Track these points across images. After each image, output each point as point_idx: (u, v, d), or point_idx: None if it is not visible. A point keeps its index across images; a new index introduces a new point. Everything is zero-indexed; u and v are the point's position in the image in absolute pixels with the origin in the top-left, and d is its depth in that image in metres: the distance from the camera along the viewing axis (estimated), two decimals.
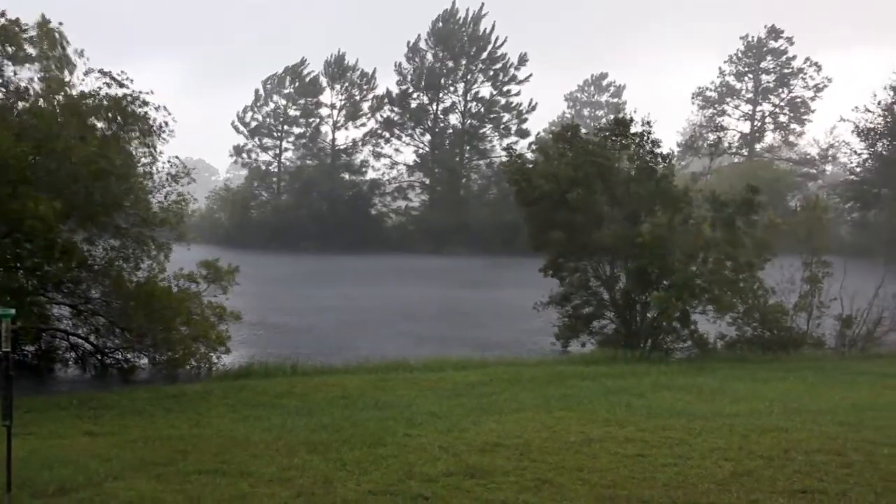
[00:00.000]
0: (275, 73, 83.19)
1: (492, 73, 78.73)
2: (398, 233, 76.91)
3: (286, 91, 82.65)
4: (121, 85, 17.69)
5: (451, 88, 79.45)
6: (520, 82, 78.34)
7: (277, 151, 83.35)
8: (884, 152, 66.15)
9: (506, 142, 75.52)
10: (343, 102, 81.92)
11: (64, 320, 18.37)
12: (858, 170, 68.96)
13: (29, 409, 12.04)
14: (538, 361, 18.58)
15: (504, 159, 66.57)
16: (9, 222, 15.79)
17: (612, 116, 23.80)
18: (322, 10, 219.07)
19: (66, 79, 17.81)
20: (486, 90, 79.17)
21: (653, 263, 19.95)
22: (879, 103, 65.55)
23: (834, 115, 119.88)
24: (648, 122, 21.99)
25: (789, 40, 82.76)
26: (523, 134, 76.45)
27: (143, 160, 18.36)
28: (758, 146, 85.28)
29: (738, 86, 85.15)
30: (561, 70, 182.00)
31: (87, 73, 17.86)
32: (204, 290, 18.61)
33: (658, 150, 21.96)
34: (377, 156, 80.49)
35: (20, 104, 17.55)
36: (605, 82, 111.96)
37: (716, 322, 20.74)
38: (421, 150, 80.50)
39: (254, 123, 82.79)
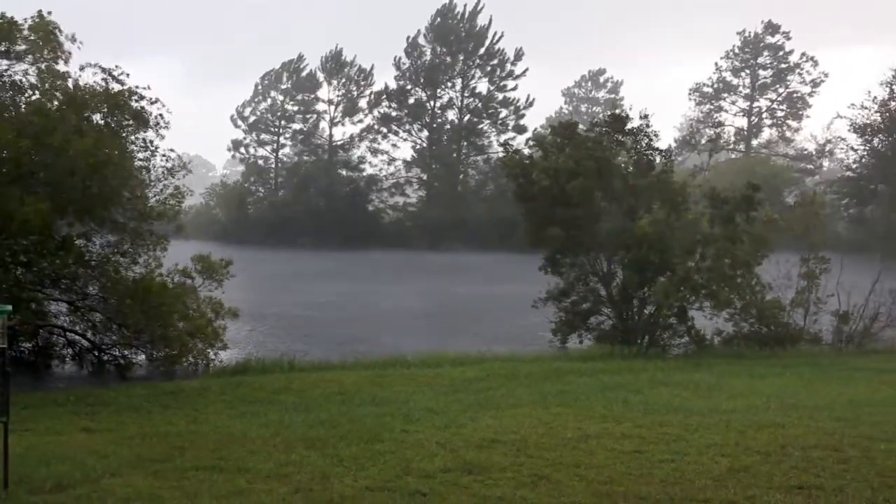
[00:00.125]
0: (273, 68, 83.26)
1: (489, 68, 78.66)
2: (395, 229, 76.82)
3: (283, 87, 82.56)
4: (117, 80, 17.67)
5: (449, 84, 79.40)
6: (516, 77, 78.32)
7: (275, 147, 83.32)
8: (880, 148, 66.25)
9: (503, 138, 75.48)
10: (340, 98, 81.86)
11: (61, 316, 18.35)
12: (855, 166, 69.06)
13: (26, 405, 12.04)
14: (535, 357, 18.59)
15: (501, 155, 66.60)
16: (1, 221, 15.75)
17: (609, 112, 23.75)
18: (321, 9, 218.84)
19: (62, 69, 17.76)
20: (483, 86, 79.25)
21: (652, 254, 19.93)
22: (875, 99, 65.72)
23: (833, 112, 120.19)
24: (646, 116, 21.98)
25: (786, 35, 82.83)
26: (521, 130, 76.41)
27: (140, 154, 18.34)
28: (755, 142, 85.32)
29: (735, 82, 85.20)
30: (558, 66, 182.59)
31: (82, 68, 17.83)
32: (199, 285, 18.59)
33: (656, 145, 21.99)
34: (374, 152, 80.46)
35: (18, 98, 17.51)
36: (602, 78, 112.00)
37: (713, 318, 20.76)
38: (418, 146, 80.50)
39: (252, 119, 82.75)
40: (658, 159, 22.20)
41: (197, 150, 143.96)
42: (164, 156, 18.73)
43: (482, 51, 78.53)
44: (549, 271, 22.10)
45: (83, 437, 10.10)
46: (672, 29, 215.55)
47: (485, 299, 33.94)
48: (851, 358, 18.88)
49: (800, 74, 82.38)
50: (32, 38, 17.29)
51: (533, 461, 8.24)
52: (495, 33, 78.66)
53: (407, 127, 79.92)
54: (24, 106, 17.33)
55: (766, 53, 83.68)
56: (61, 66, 17.75)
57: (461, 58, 78.83)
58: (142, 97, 17.69)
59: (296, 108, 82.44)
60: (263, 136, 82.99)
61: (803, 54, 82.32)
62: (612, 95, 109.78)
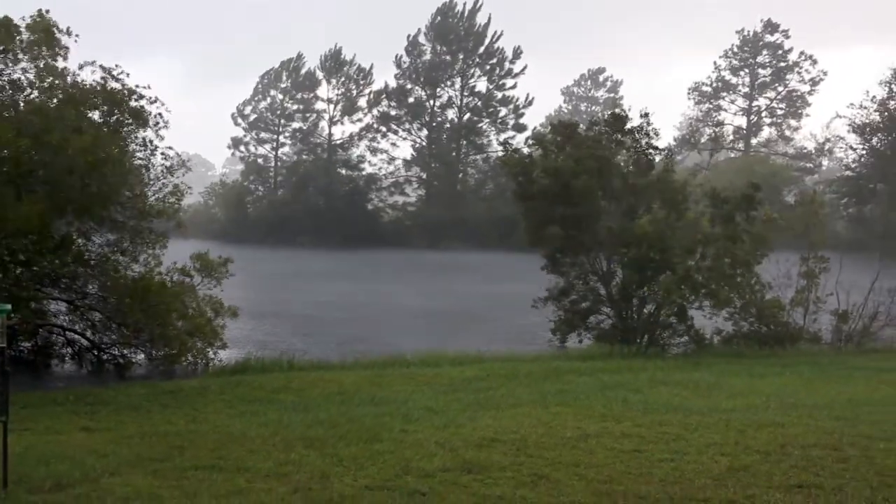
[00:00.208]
0: (272, 67, 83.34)
1: (488, 67, 78.68)
2: (395, 228, 76.85)
3: (283, 86, 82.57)
4: (116, 79, 17.66)
5: (448, 83, 79.40)
6: (515, 75, 78.37)
7: (274, 146, 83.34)
8: (880, 147, 66.29)
9: (503, 137, 75.62)
10: (339, 97, 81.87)
11: (60, 316, 18.34)
12: (854, 165, 69.09)
13: (25, 404, 12.03)
14: (534, 357, 18.59)
15: (501, 154, 66.79)
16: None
17: (609, 112, 23.76)
18: (321, 8, 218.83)
19: (60, 66, 17.75)
20: (482, 85, 79.30)
21: (653, 252, 19.93)
22: (873, 99, 65.77)
23: (833, 110, 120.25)
24: (646, 115, 21.98)
25: (785, 34, 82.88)
26: (520, 128, 76.51)
27: (140, 153, 18.33)
28: (754, 141, 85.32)
29: (735, 81, 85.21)
30: (558, 65, 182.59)
31: (81, 67, 17.82)
32: (198, 284, 18.58)
33: (655, 144, 22.00)
34: (374, 151, 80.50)
35: (18, 97, 17.50)
36: (602, 77, 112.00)
37: (712, 317, 20.76)
38: (417, 145, 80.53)
39: (252, 117, 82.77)
40: (658, 158, 22.21)
41: (196, 149, 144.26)
42: (163, 154, 18.74)
43: (482, 50, 78.55)
44: (550, 270, 22.10)
45: (82, 437, 10.10)
46: (672, 28, 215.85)
47: (489, 298, 33.93)
48: (851, 357, 18.88)
49: (798, 73, 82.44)
50: (31, 37, 17.28)
51: (532, 460, 8.24)
52: (495, 32, 78.87)
53: (406, 126, 79.98)
54: (22, 105, 17.31)
55: (765, 52, 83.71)
56: (59, 63, 17.76)
57: (461, 57, 78.85)
58: (141, 97, 17.69)
59: (295, 107, 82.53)
60: (263, 135, 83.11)
61: (802, 53, 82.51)
62: (612, 94, 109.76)
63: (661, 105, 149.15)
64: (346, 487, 7.31)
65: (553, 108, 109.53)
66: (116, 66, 17.82)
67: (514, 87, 78.42)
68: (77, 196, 16.59)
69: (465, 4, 79.06)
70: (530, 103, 78.65)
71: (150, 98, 17.86)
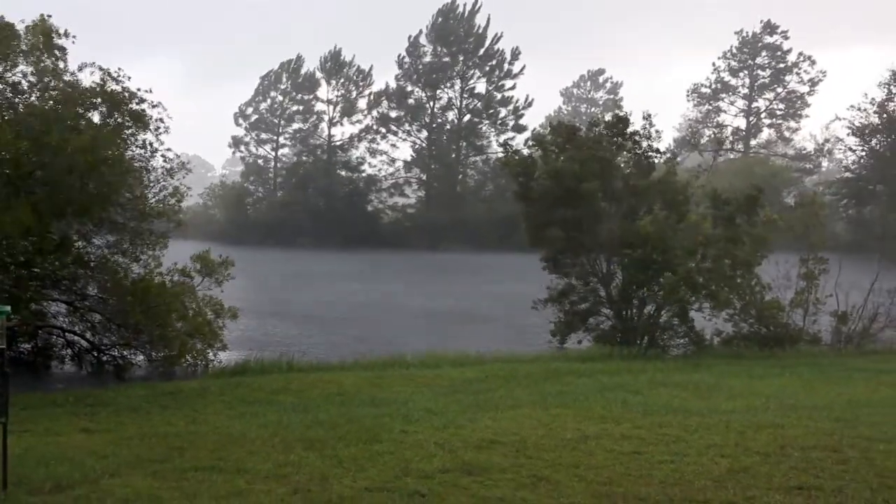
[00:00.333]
0: (272, 69, 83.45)
1: (488, 68, 78.71)
2: (394, 229, 76.87)
3: (283, 87, 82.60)
4: (116, 81, 17.66)
5: (448, 84, 79.43)
6: (514, 76, 78.43)
7: (274, 147, 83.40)
8: (879, 149, 66.32)
9: (502, 138, 75.70)
10: (339, 98, 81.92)
11: (60, 317, 18.33)
12: (854, 166, 69.12)
13: (25, 406, 12.02)
14: (534, 358, 18.58)
15: (500, 155, 66.77)
16: None
17: (611, 114, 23.81)
18: (321, 9, 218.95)
19: (60, 66, 17.75)
20: (482, 86, 79.33)
21: (655, 253, 19.94)
22: (873, 101, 65.84)
23: (832, 111, 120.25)
24: (648, 117, 22.01)
25: (784, 35, 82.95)
26: (520, 129, 76.58)
27: (140, 153, 18.32)
28: (753, 142, 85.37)
29: (734, 82, 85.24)
30: (558, 66, 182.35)
31: (81, 69, 17.83)
32: (198, 284, 18.57)
33: (657, 146, 22.04)
34: (373, 152, 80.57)
35: (18, 99, 17.50)
36: (601, 78, 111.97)
37: (712, 319, 20.77)
38: (417, 146, 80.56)
39: (252, 119, 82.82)
40: (659, 160, 22.21)
41: (196, 150, 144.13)
42: (163, 156, 18.75)
43: (482, 51, 78.57)
44: (551, 271, 22.10)
45: (82, 438, 10.09)
46: (672, 28, 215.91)
47: (493, 298, 34.05)
48: (850, 358, 18.88)
49: (798, 74, 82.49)
50: (31, 40, 17.29)
51: (532, 462, 8.24)
52: (496, 34, 78.90)
53: (406, 127, 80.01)
54: (21, 107, 17.31)
55: (764, 53, 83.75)
56: (59, 64, 17.75)
57: (461, 58, 78.88)
58: (142, 100, 17.68)
59: (295, 109, 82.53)
60: (263, 136, 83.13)
61: (801, 54, 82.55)
62: (612, 96, 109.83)
63: (660, 106, 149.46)
64: (346, 489, 7.31)
65: (553, 109, 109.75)
66: (119, 69, 17.84)
67: (513, 87, 78.65)
68: (76, 196, 16.58)
69: (465, 5, 79.23)
70: (530, 104, 78.83)
71: (152, 102, 17.88)
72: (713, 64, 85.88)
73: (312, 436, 9.63)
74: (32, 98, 17.51)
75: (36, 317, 17.47)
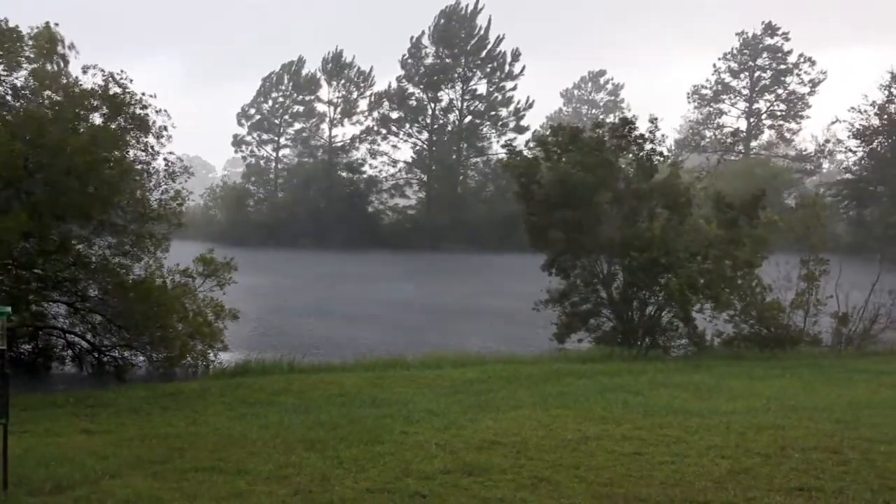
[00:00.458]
0: (273, 71, 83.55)
1: (488, 69, 78.73)
2: (395, 230, 76.87)
3: (284, 88, 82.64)
4: (118, 84, 17.66)
5: (449, 85, 79.45)
6: (515, 77, 78.42)
7: (275, 147, 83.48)
8: (879, 150, 66.33)
9: (503, 139, 75.96)
10: (340, 100, 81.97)
11: (60, 318, 18.33)
12: (855, 168, 69.12)
13: (25, 406, 12.03)
14: (535, 359, 18.58)
15: (501, 156, 66.67)
16: None
17: (616, 116, 23.91)
18: (321, 9, 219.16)
19: (62, 73, 17.78)
20: (482, 87, 79.32)
21: (660, 256, 19.94)
22: (873, 103, 65.87)
23: (833, 112, 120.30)
24: (654, 120, 22.06)
25: (785, 37, 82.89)
26: (521, 130, 76.62)
27: (141, 157, 18.32)
28: (754, 143, 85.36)
29: (734, 83, 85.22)
30: (558, 67, 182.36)
31: (85, 71, 17.84)
32: (200, 285, 18.56)
33: (661, 150, 22.05)
34: (374, 153, 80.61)
35: (19, 103, 17.52)
36: (602, 79, 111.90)
37: (713, 320, 20.76)
38: (418, 148, 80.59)
39: (254, 119, 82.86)
40: (663, 163, 22.21)
41: (197, 151, 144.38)
42: (165, 159, 18.76)
43: (484, 54, 78.56)
44: (554, 273, 22.11)
45: (82, 439, 10.09)
46: (672, 28, 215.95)
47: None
48: (851, 360, 18.87)
49: (798, 75, 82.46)
50: (35, 44, 17.33)
51: (533, 463, 8.24)
52: (499, 36, 78.89)
53: (407, 128, 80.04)
54: (21, 110, 17.32)
55: (765, 55, 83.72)
56: (60, 66, 17.78)
57: (462, 60, 78.90)
58: (146, 105, 17.68)
59: (296, 110, 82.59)
60: (264, 137, 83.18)
61: (801, 55, 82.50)
62: (613, 97, 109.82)
63: (660, 106, 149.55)
64: (347, 490, 7.31)
65: (553, 109, 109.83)
66: (121, 70, 17.84)
67: (514, 89, 78.67)
68: (76, 198, 16.58)
69: (466, 6, 79.22)
70: (531, 105, 78.88)
71: (157, 108, 17.90)
72: (714, 65, 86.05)
73: (313, 437, 9.63)
74: (32, 100, 17.52)
75: (36, 318, 17.49)
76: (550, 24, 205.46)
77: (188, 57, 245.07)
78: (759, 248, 20.66)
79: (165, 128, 18.05)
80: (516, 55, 78.51)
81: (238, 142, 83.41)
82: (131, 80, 17.83)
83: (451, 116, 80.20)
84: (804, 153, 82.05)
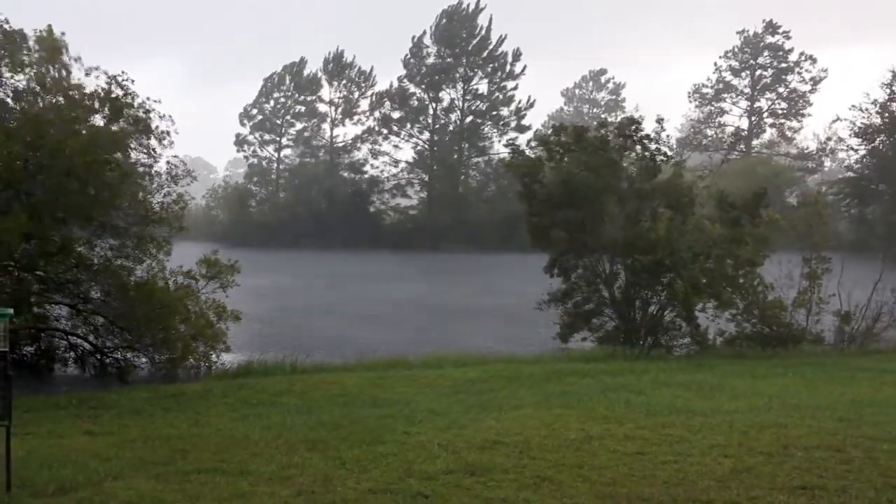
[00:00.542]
0: (274, 71, 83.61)
1: (489, 69, 78.72)
2: (396, 230, 76.88)
3: (285, 89, 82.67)
4: (120, 86, 17.69)
5: (451, 85, 79.43)
6: (516, 77, 78.40)
7: (277, 147, 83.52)
8: (881, 148, 66.28)
9: (504, 139, 76.00)
10: (342, 100, 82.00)
11: (63, 320, 18.35)
12: (857, 166, 69.07)
13: (28, 408, 12.04)
14: (537, 359, 18.57)
15: (503, 156, 66.62)
16: None
17: (622, 116, 23.98)
18: (322, 9, 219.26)
19: (63, 79, 17.81)
20: (483, 87, 79.30)
21: (665, 257, 19.93)
22: (875, 102, 65.80)
23: (834, 111, 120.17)
24: (661, 120, 22.08)
25: (786, 35, 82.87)
26: (522, 129, 76.57)
27: (143, 160, 18.34)
28: (755, 142, 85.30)
29: (736, 82, 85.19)
30: (558, 65, 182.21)
31: (88, 73, 17.87)
32: (203, 286, 18.56)
33: (666, 151, 22.06)
34: (376, 154, 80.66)
35: (20, 105, 17.55)
36: (603, 78, 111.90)
37: (715, 319, 20.75)
38: (419, 148, 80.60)
39: (256, 119, 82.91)
40: (665, 161, 22.20)
41: (198, 151, 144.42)
42: (168, 162, 18.79)
43: (486, 54, 78.54)
44: (556, 274, 22.10)
45: (85, 441, 10.10)
46: (672, 28, 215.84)
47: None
48: (854, 358, 18.84)
49: (799, 74, 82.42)
50: (38, 49, 17.36)
51: (535, 463, 8.23)
52: (501, 36, 78.84)
53: (408, 128, 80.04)
54: (19, 112, 17.34)
55: (766, 53, 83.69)
56: (62, 72, 17.81)
57: (464, 59, 78.89)
58: (148, 110, 17.69)
59: (297, 110, 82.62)
60: (266, 137, 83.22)
61: (802, 53, 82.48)
62: (614, 97, 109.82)
63: (661, 106, 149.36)
64: (349, 490, 7.31)
65: (554, 109, 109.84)
66: (123, 72, 17.86)
67: (515, 88, 78.65)
68: (77, 199, 16.59)
69: (468, 6, 79.18)
70: (532, 105, 78.90)
71: (160, 113, 17.94)
72: (715, 64, 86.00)
73: (316, 437, 9.63)
74: (33, 103, 17.53)
75: (39, 320, 17.51)
76: (550, 24, 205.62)
77: (188, 57, 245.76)
78: (761, 247, 20.64)
79: (168, 133, 18.11)
80: (517, 55, 78.59)
81: (240, 141, 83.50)
82: (133, 81, 17.89)
83: (453, 116, 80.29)
84: (806, 151, 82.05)
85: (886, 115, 65.61)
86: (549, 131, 24.20)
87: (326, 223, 73.39)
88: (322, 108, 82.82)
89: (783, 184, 66.42)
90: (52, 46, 17.40)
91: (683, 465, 8.11)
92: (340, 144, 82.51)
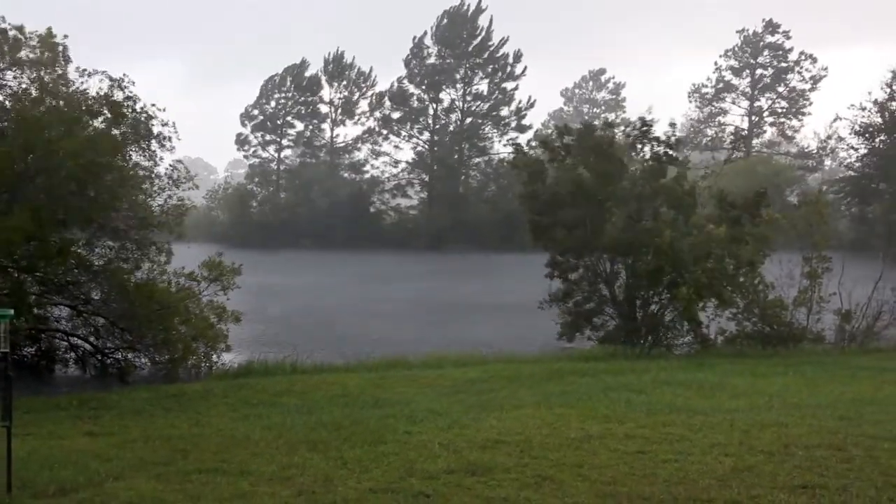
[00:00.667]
0: (275, 72, 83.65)
1: (490, 69, 78.72)
2: (397, 230, 76.86)
3: (286, 89, 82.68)
4: (122, 88, 17.68)
5: (451, 85, 79.42)
6: (517, 77, 78.41)
7: (278, 148, 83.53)
8: (882, 147, 66.27)
9: (505, 139, 76.20)
10: (342, 101, 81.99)
11: (63, 321, 18.35)
12: (857, 165, 69.06)
13: (28, 409, 12.04)
14: (537, 358, 18.58)
15: (503, 156, 66.51)
16: None
17: (619, 115, 24.04)
18: (322, 9, 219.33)
19: (61, 76, 17.80)
20: (484, 86, 79.27)
21: (665, 263, 19.92)
22: (875, 101, 65.79)
23: (834, 111, 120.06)
24: (673, 125, 22.24)
25: (786, 35, 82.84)
26: (522, 129, 76.59)
27: (144, 163, 18.31)
28: (756, 141, 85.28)
29: (736, 81, 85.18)
30: (557, 65, 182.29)
31: (90, 75, 17.84)
32: (205, 289, 18.55)
33: (675, 155, 22.03)
34: (376, 154, 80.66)
35: (17, 106, 17.52)
36: (603, 78, 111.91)
37: (716, 318, 20.74)
38: (419, 148, 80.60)
39: (257, 120, 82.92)
40: (674, 163, 22.20)
41: (198, 152, 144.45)
42: (171, 166, 18.79)
43: (486, 55, 78.52)
44: (557, 274, 22.09)
45: (86, 441, 10.10)
46: (672, 28, 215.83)
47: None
48: (854, 357, 18.83)
49: (799, 73, 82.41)
50: (38, 49, 17.34)
51: (536, 462, 8.23)
52: (503, 38, 78.80)
53: (408, 129, 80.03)
54: (14, 113, 17.33)
55: (766, 52, 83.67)
56: (59, 72, 17.80)
57: (464, 60, 78.88)
58: (150, 116, 17.68)
59: (298, 111, 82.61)
60: (267, 138, 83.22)
61: (802, 52, 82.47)
62: (614, 96, 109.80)
63: (661, 106, 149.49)
64: (350, 490, 7.31)
65: (553, 109, 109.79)
66: (125, 75, 17.85)
67: (515, 89, 78.63)
68: (76, 202, 16.58)
69: (468, 6, 79.18)
70: (532, 105, 78.87)
71: (163, 121, 17.93)
72: (715, 63, 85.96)
73: (316, 437, 9.63)
74: (29, 106, 17.50)
75: (39, 321, 17.50)
76: (550, 24, 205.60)
77: (188, 57, 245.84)
78: (762, 246, 20.63)
79: (169, 138, 18.11)
80: (518, 56, 78.58)
81: (241, 142, 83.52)
82: (134, 83, 17.88)
83: (453, 116, 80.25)
84: (806, 150, 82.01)
85: (885, 114, 65.59)
86: (550, 130, 24.28)
87: (327, 223, 73.35)
88: (323, 108, 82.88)
89: (783, 183, 66.40)
90: (49, 47, 17.37)
91: (684, 463, 8.10)
92: (341, 145, 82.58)
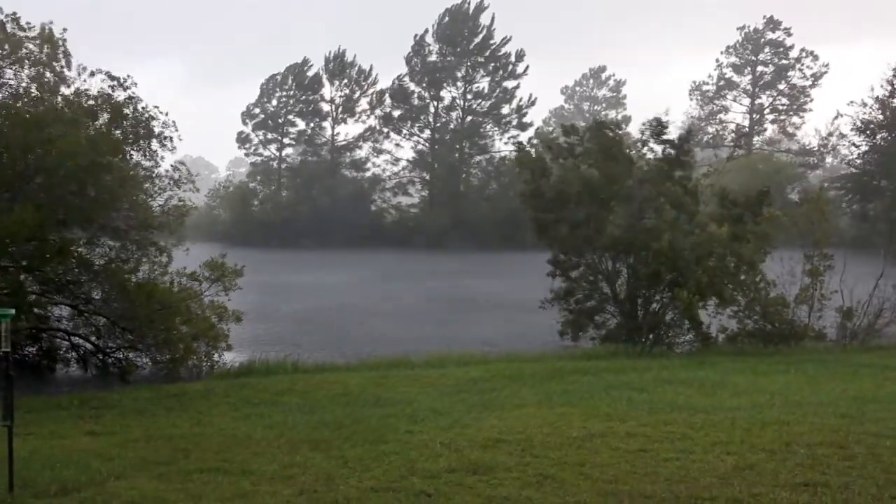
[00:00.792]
0: (277, 71, 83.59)
1: (491, 68, 78.66)
2: (398, 228, 76.80)
3: (287, 88, 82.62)
4: (123, 88, 17.67)
5: (451, 84, 79.36)
6: (518, 76, 78.34)
7: (279, 147, 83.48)
8: (883, 144, 66.18)
9: (506, 137, 76.15)
10: (343, 99, 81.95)
11: (64, 320, 18.35)
12: (859, 161, 68.99)
13: (30, 409, 12.05)
14: (539, 357, 18.56)
15: (504, 154, 66.49)
16: None
17: (619, 112, 24.09)
18: (322, 8, 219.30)
19: (59, 74, 17.78)
20: (485, 85, 79.18)
21: (665, 266, 19.91)
22: (877, 98, 65.71)
23: (835, 107, 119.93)
24: (688, 132, 22.14)
25: (787, 32, 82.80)
26: (523, 127, 76.56)
27: (145, 163, 18.29)
28: (757, 138, 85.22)
29: (737, 78, 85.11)
30: (558, 65, 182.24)
31: (92, 74, 17.83)
32: (207, 288, 18.54)
33: (685, 160, 22.01)
34: (377, 152, 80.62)
35: (18, 106, 17.51)
36: (604, 75, 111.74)
37: (717, 316, 20.73)
38: (420, 147, 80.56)
39: (258, 118, 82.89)
40: (678, 163, 22.20)
41: (199, 151, 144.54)
42: (173, 166, 18.77)
43: (488, 53, 78.43)
44: (558, 273, 22.07)
45: (87, 441, 10.10)
46: (672, 28, 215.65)
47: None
48: (856, 354, 18.82)
49: (800, 70, 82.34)
50: (38, 44, 17.31)
51: (538, 461, 8.23)
52: (505, 37, 78.73)
53: (409, 127, 79.97)
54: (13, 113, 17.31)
55: (766, 49, 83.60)
56: (59, 72, 17.79)
57: (465, 58, 78.81)
58: (151, 117, 17.67)
59: (299, 109, 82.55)
60: (269, 136, 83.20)
61: (803, 49, 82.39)
62: (615, 94, 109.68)
63: (661, 105, 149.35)
64: (352, 489, 7.31)
65: (553, 106, 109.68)
66: (128, 76, 17.84)
67: (517, 87, 78.54)
68: (76, 202, 16.57)
69: (469, 4, 79.07)
70: (533, 103, 78.70)
71: (165, 122, 17.93)
72: (716, 60, 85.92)
73: (318, 437, 9.63)
74: (28, 105, 17.50)
75: (40, 320, 17.50)
76: (551, 24, 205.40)
77: (189, 57, 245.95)
78: (763, 244, 20.61)
79: (170, 138, 18.10)
80: (520, 55, 78.45)
81: (243, 140, 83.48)
82: (136, 84, 17.87)
83: (454, 115, 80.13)
84: (807, 148, 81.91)
85: (887, 111, 65.50)
86: (552, 128, 24.33)
87: (328, 222, 73.28)
88: (324, 106, 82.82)
89: (785, 180, 66.33)
90: (49, 43, 17.33)
91: (686, 462, 8.10)
92: (342, 143, 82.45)
